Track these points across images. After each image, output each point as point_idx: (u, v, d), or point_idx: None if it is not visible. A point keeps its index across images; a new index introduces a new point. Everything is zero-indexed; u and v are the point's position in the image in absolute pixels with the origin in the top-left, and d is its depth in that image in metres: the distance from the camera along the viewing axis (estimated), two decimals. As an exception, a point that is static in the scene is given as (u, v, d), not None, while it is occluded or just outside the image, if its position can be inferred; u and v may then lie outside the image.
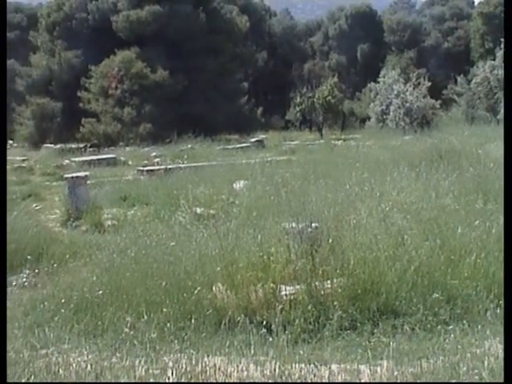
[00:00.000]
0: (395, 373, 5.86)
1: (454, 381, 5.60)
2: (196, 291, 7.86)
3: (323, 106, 51.15)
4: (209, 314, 7.63)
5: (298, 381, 5.74)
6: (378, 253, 8.32)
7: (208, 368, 5.89)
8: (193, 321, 7.19)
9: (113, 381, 5.49)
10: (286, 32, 77.67)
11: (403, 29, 71.21)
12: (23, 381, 5.54)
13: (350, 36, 72.69)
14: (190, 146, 35.70)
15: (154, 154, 33.95)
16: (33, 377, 5.63)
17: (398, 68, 48.17)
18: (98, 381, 5.50)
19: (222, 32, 53.59)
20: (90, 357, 6.32)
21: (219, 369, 5.91)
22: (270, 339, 6.66)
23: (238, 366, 5.98)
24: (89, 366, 5.89)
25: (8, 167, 29.46)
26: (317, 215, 9.28)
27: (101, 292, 8.56)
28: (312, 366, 6.08)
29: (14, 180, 24.82)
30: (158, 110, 47.39)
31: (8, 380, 5.36)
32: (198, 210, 13.84)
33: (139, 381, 5.60)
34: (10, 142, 58.19)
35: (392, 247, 8.49)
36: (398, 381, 5.71)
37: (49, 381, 5.55)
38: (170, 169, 22.98)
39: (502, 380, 5.28)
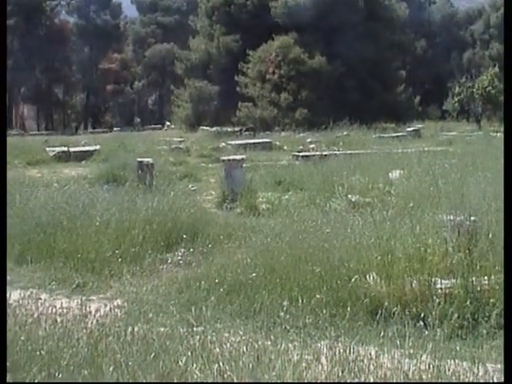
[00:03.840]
0: (556, 378, 5.62)
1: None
2: (353, 279, 7.80)
3: (482, 97, 49.83)
4: (364, 302, 7.57)
5: (453, 378, 5.61)
6: (541, 250, 8.01)
7: (361, 357, 5.83)
8: (348, 309, 7.14)
9: (267, 363, 5.50)
10: (446, 20, 76.23)
11: None
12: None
13: (513, 25, 70.43)
14: (345, 132, 35.62)
15: (309, 139, 34.05)
16: (189, 353, 5.72)
17: None
18: (253, 362, 5.53)
19: (380, 19, 53.12)
20: (243, 338, 6.37)
21: (372, 359, 5.84)
22: (426, 333, 6.54)
23: (391, 358, 5.90)
24: (243, 347, 5.93)
25: (166, 148, 30.30)
26: (475, 208, 9.04)
27: (254, 274, 8.62)
28: (468, 363, 5.93)
29: (172, 161, 25.37)
30: (315, 95, 47.49)
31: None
32: (353, 198, 13.75)
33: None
34: (168, 123, 59.85)
35: (557, 246, 8.15)
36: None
37: (205, 357, 5.63)
38: (325, 155, 22.92)
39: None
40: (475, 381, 5.63)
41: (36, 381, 5.38)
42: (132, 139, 34.94)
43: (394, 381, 5.48)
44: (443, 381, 5.54)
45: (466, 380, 5.60)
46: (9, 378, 5.33)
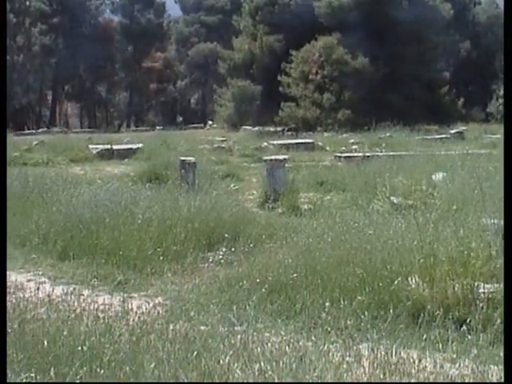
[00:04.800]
0: None
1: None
2: (396, 282, 7.75)
3: (527, 100, 49.26)
4: (406, 305, 7.51)
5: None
6: None
7: (403, 360, 5.79)
8: (390, 311, 7.09)
9: (308, 364, 5.48)
10: (491, 21, 75.25)
11: None
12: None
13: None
14: (388, 134, 35.42)
15: (351, 140, 33.99)
16: (230, 352, 5.71)
17: None
18: (294, 363, 5.50)
19: (424, 20, 52.68)
20: (284, 338, 6.35)
21: (414, 362, 5.79)
22: (469, 337, 6.48)
23: (433, 362, 5.85)
24: (284, 348, 5.92)
25: (208, 147, 30.39)
26: (521, 212, 8.91)
27: (295, 275, 8.59)
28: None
29: (214, 160, 25.41)
30: (358, 96, 47.38)
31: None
32: (396, 200, 13.67)
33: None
34: (210, 122, 60.04)
35: None
36: None
37: (246, 357, 5.62)
38: (367, 156, 22.81)
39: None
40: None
41: (79, 378, 5.40)
42: (174, 138, 35.11)
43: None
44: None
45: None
46: (51, 373, 5.36)
